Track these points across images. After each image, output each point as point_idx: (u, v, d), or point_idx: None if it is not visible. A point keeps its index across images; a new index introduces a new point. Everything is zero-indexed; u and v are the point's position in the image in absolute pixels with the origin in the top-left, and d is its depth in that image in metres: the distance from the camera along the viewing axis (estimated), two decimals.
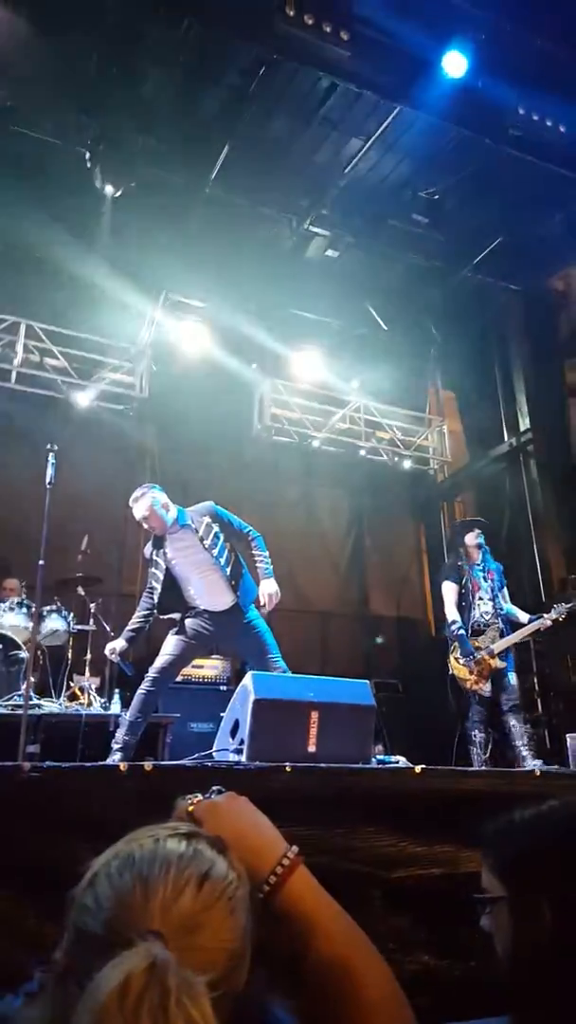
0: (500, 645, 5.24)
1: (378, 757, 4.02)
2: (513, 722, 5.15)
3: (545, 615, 5.25)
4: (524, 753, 5.03)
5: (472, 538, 5.55)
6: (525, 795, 2.56)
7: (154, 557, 4.32)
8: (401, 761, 4.04)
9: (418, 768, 2.71)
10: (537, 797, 1.33)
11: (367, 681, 3.70)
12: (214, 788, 1.03)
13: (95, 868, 0.83)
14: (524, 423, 9.52)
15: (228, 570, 4.19)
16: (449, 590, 5.51)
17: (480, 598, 5.39)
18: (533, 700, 7.12)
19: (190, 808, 0.98)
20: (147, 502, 4.23)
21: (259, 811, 1.02)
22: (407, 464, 10.48)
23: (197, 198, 8.07)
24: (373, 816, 2.41)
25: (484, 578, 5.46)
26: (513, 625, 5.37)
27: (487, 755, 5.22)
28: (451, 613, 5.44)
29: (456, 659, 5.37)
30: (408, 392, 10.94)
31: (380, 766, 3.46)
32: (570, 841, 1.21)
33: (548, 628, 5.28)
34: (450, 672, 5.46)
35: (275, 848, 0.96)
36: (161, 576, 4.26)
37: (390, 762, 4.05)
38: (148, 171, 7.54)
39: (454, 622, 5.39)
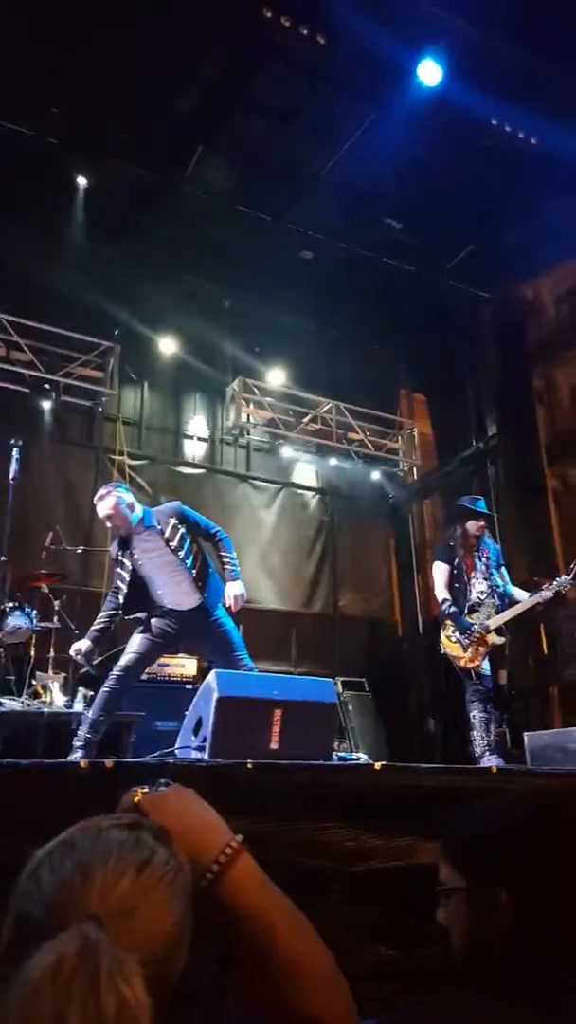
0: (496, 620, 5.11)
1: (339, 754, 4.05)
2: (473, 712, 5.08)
3: (545, 588, 5.11)
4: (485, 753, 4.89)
5: (474, 526, 5.36)
6: (481, 791, 2.61)
7: (120, 557, 4.30)
8: (362, 758, 4.07)
9: (378, 765, 2.74)
10: (493, 793, 1.37)
11: (331, 679, 3.73)
12: (161, 781, 1.05)
13: (38, 856, 0.85)
14: (492, 428, 9.66)
15: (194, 571, 4.19)
16: (440, 571, 5.33)
17: (475, 577, 5.25)
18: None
19: (136, 800, 0.99)
20: (111, 501, 4.21)
21: (205, 803, 1.03)
22: (377, 466, 10.56)
23: (170, 196, 8.06)
24: (334, 812, 2.43)
25: (479, 557, 5.32)
26: (511, 602, 5.24)
27: (492, 737, 4.92)
28: (440, 593, 5.28)
29: (448, 637, 5.21)
30: (379, 395, 11.04)
31: (341, 763, 3.49)
32: (522, 833, 1.25)
33: (548, 601, 5.13)
34: (442, 651, 5.28)
35: (219, 838, 0.98)
36: (127, 576, 4.24)
37: (351, 759, 4.08)
38: (121, 168, 7.52)
39: (444, 601, 5.22)
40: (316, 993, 0.92)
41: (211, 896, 0.93)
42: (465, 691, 5.13)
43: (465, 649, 5.08)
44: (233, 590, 4.25)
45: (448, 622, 5.21)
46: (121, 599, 4.24)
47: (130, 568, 4.23)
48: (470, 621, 5.10)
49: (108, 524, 4.30)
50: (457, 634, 5.12)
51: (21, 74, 6.65)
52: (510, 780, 2.87)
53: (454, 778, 2.81)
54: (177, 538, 4.20)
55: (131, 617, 4.28)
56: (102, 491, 4.30)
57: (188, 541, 4.23)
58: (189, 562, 4.18)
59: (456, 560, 5.29)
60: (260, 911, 0.94)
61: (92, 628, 4.32)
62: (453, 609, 5.16)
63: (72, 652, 4.33)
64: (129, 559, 4.24)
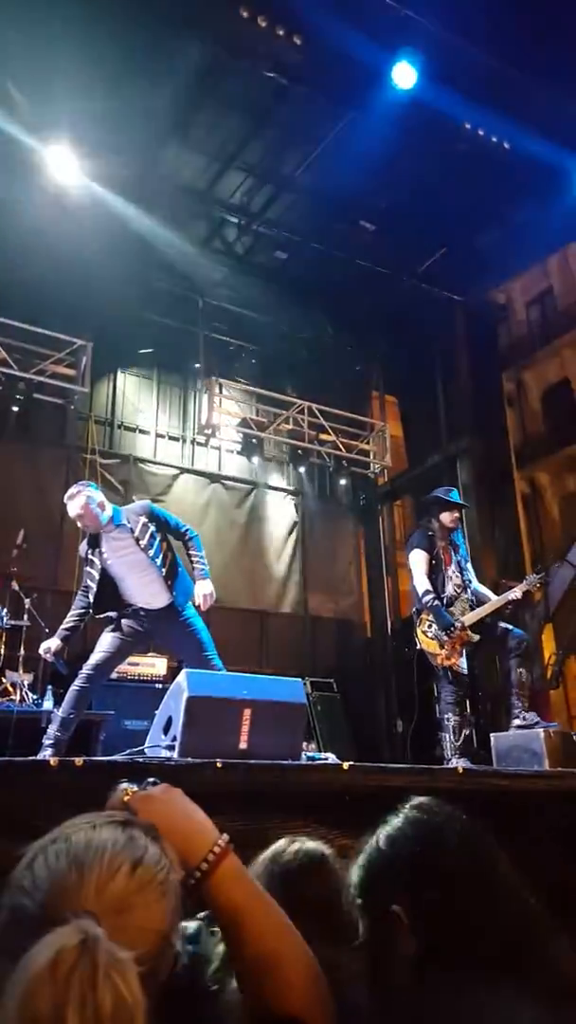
0: (472, 616, 4.89)
1: (308, 754, 4.08)
2: (512, 669, 4.82)
3: (517, 586, 4.98)
4: (515, 703, 4.72)
5: (449, 518, 5.16)
6: (447, 791, 2.65)
7: (89, 556, 4.28)
8: (330, 758, 4.10)
9: (345, 765, 2.77)
10: (453, 796, 1.34)
11: (300, 679, 3.75)
12: (148, 780, 1.07)
13: (33, 851, 0.86)
14: (462, 430, 9.75)
15: (164, 570, 4.19)
16: (420, 559, 5.02)
17: (451, 570, 5.05)
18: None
19: (125, 798, 1.01)
20: (82, 500, 4.19)
21: (192, 802, 1.05)
22: (349, 467, 10.61)
23: (149, 193, 8.03)
24: (301, 811, 2.45)
25: (452, 551, 5.14)
26: (481, 599, 5.06)
27: (461, 741, 4.73)
28: (422, 583, 4.95)
29: (424, 632, 4.95)
30: (352, 396, 11.09)
31: (309, 763, 3.51)
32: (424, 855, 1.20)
33: (517, 600, 4.96)
34: (417, 648, 5.04)
35: (206, 837, 1.00)
36: (97, 575, 4.22)
37: (319, 759, 4.11)
38: (97, 165, 7.49)
39: (427, 592, 4.90)
40: (297, 992, 0.94)
41: (198, 894, 0.96)
42: (439, 691, 4.99)
43: (441, 646, 4.87)
44: (202, 589, 4.25)
45: (425, 616, 4.96)
46: (91, 598, 4.23)
47: (99, 567, 4.22)
48: (452, 617, 4.86)
49: (78, 523, 4.29)
50: (435, 629, 4.89)
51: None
52: (475, 780, 2.91)
53: (421, 778, 2.85)
54: (147, 537, 4.20)
55: (101, 616, 4.27)
56: (72, 490, 4.28)
57: (158, 540, 4.23)
58: (159, 561, 4.18)
59: (436, 550, 5.07)
60: (245, 911, 0.97)
61: (62, 627, 4.30)
62: (437, 602, 4.88)
63: (41, 651, 4.31)
64: (99, 558, 4.22)
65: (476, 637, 4.95)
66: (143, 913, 0.82)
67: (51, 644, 4.25)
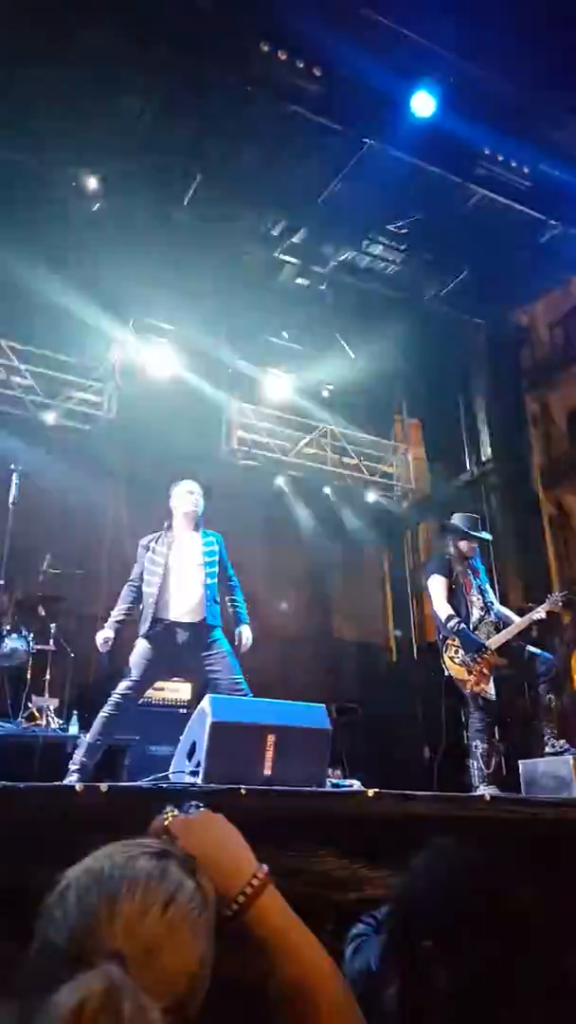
0: (497, 640, 4.83)
1: (332, 781, 4.05)
2: (542, 695, 4.78)
3: (540, 606, 4.90)
4: (545, 729, 4.70)
5: (466, 546, 5.16)
6: (474, 820, 2.62)
7: (154, 545, 4.47)
8: (355, 784, 4.06)
9: (371, 792, 2.74)
10: (479, 824, 1.35)
11: (324, 705, 3.73)
12: (191, 803, 1.06)
13: (67, 879, 0.84)
14: (486, 452, 9.72)
15: (208, 581, 4.38)
16: (439, 584, 4.98)
17: (472, 595, 5.01)
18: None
19: (166, 823, 0.99)
20: (200, 495, 4.64)
21: (234, 829, 1.03)
22: (372, 489, 10.59)
23: (168, 223, 8.17)
24: (326, 838, 2.43)
25: (473, 575, 5.11)
26: (505, 622, 5.00)
27: (491, 769, 4.66)
28: (444, 608, 4.89)
29: (451, 659, 4.88)
30: (374, 419, 11.10)
31: (333, 790, 3.49)
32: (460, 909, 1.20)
33: (544, 621, 4.91)
34: (446, 675, 4.98)
35: (245, 868, 0.98)
36: (161, 561, 4.38)
37: (344, 786, 4.07)
38: (122, 196, 7.64)
39: (451, 617, 4.83)
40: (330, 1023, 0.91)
41: (234, 924, 0.93)
42: (467, 718, 4.98)
43: (470, 672, 4.80)
44: (246, 632, 4.53)
45: (451, 642, 4.90)
46: (141, 590, 4.36)
47: (162, 556, 4.38)
48: (481, 639, 4.81)
49: (187, 507, 4.59)
50: (462, 655, 4.83)
51: (25, 101, 6.75)
52: (502, 808, 2.87)
53: (448, 806, 2.81)
54: (209, 550, 4.50)
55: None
56: (193, 487, 4.67)
57: (213, 560, 4.48)
58: (206, 572, 4.42)
59: (455, 574, 5.04)
60: (279, 942, 0.95)
61: (113, 618, 4.48)
62: (463, 626, 4.83)
63: (99, 641, 4.41)
64: (166, 547, 4.43)
65: (503, 660, 4.88)
66: (173, 955, 0.79)
67: (108, 634, 4.39)
